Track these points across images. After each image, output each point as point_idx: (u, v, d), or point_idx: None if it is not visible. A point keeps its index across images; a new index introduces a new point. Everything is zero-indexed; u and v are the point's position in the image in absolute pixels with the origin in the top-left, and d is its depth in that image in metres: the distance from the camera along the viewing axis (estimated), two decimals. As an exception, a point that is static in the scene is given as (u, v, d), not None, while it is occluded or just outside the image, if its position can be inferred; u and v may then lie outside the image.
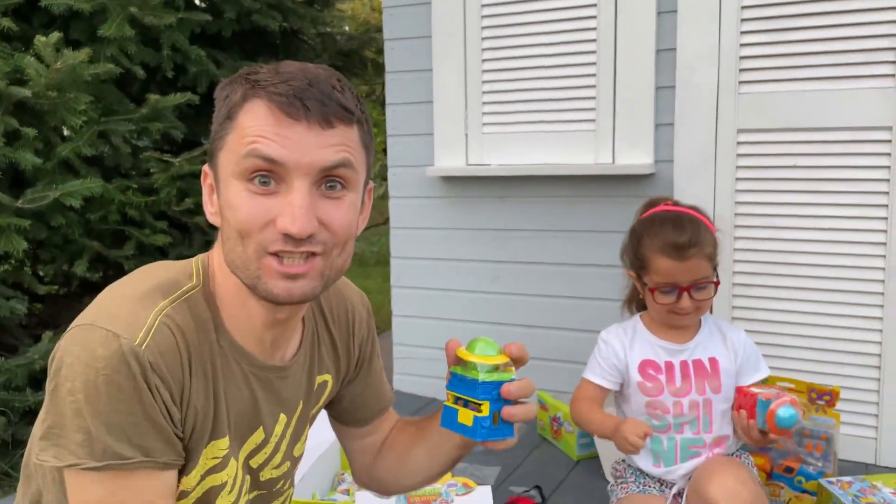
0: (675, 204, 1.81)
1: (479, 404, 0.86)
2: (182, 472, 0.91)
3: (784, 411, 1.55)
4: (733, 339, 1.82)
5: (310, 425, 1.13)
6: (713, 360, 1.79)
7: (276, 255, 0.84)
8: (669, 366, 1.79)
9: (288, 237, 0.83)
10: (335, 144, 0.84)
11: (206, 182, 0.93)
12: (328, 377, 1.11)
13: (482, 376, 0.87)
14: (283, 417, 1.03)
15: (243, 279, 0.87)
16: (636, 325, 1.85)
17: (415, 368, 3.13)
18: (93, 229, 2.97)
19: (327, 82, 0.85)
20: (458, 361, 0.90)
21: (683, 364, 1.79)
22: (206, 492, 0.94)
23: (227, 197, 0.86)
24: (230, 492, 0.97)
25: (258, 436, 0.99)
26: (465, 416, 0.88)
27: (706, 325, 1.84)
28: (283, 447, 1.05)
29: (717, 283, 1.72)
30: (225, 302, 0.93)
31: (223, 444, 0.94)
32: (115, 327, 0.82)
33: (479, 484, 2.12)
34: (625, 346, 1.81)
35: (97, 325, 0.83)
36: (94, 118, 2.81)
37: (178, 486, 0.91)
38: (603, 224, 2.72)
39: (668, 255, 1.67)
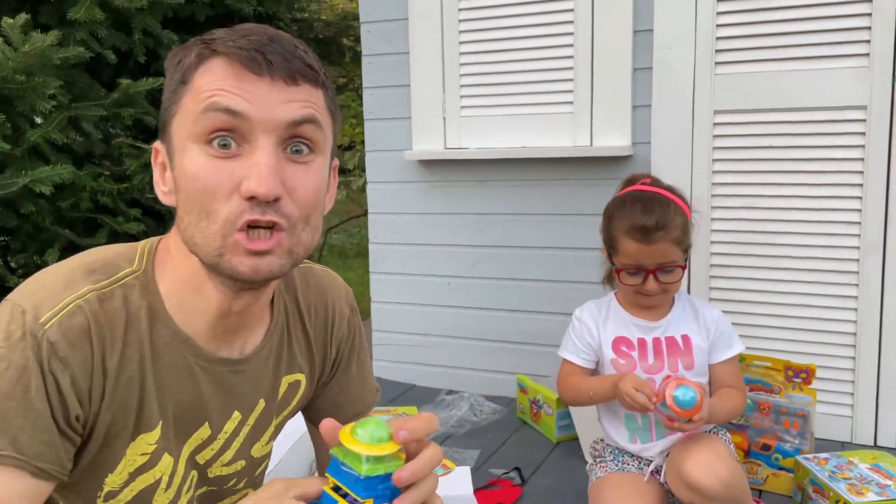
0: (653, 182, 1.80)
1: (362, 502, 0.71)
2: (107, 469, 0.85)
3: (679, 391, 1.58)
4: (706, 317, 1.83)
5: (278, 428, 1.04)
6: (685, 338, 1.80)
7: (243, 231, 0.77)
8: (642, 342, 1.80)
9: (254, 202, 0.76)
10: (301, 101, 0.78)
11: (158, 161, 0.85)
12: (300, 377, 1.02)
13: (365, 469, 0.70)
14: (236, 415, 0.95)
15: (204, 258, 0.80)
16: (610, 303, 1.85)
17: (394, 355, 3.11)
18: (64, 217, 2.92)
19: (290, 41, 0.80)
20: (341, 444, 0.73)
21: (656, 341, 1.80)
22: (140, 493, 0.88)
23: (183, 166, 0.78)
24: (166, 489, 0.90)
25: (204, 431, 0.92)
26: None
27: (679, 303, 1.84)
28: (236, 445, 0.97)
29: (683, 268, 1.72)
30: (174, 288, 0.85)
31: (152, 437, 0.86)
32: (27, 303, 0.77)
33: (459, 465, 2.11)
34: (598, 324, 1.81)
35: (13, 299, 0.79)
36: (65, 103, 2.76)
37: (97, 490, 0.85)
38: (582, 207, 2.71)
39: (633, 237, 1.68)
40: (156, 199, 3.01)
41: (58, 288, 0.79)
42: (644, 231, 1.66)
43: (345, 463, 0.72)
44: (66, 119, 2.75)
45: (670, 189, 1.78)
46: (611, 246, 1.76)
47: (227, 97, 0.76)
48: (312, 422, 1.12)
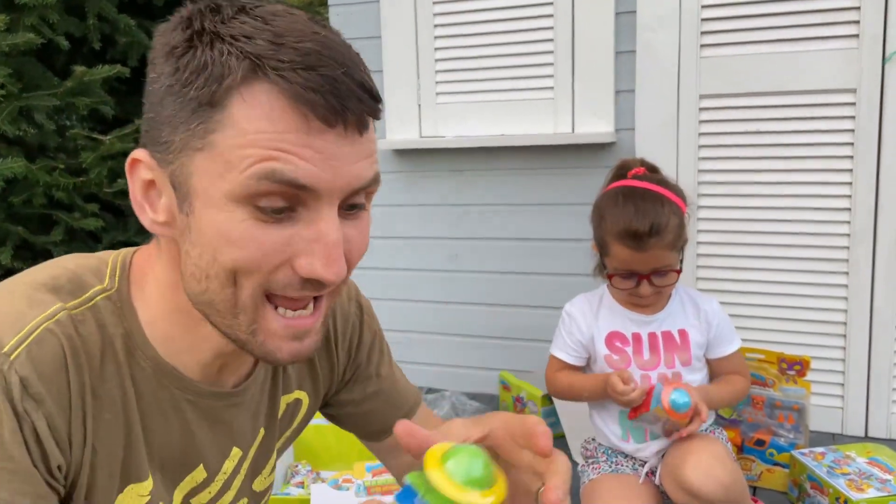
0: (646, 175, 1.70)
1: None
2: None
3: (674, 395, 1.54)
4: (706, 310, 1.75)
5: (279, 453, 0.92)
6: (683, 332, 1.72)
7: (273, 298, 0.64)
8: (637, 337, 1.72)
9: (311, 283, 0.63)
10: (369, 154, 0.64)
11: (139, 174, 0.67)
12: (301, 395, 0.90)
13: None
14: (236, 451, 0.82)
15: (223, 328, 0.66)
16: (602, 295, 1.77)
17: (370, 352, 2.99)
18: (17, 214, 2.75)
19: (357, 63, 0.63)
20: (425, 472, 0.56)
21: (652, 336, 1.72)
22: None
23: (214, 222, 0.62)
24: None
25: (198, 474, 0.79)
26: None
27: (677, 296, 1.76)
28: (237, 483, 0.85)
29: (678, 272, 1.64)
30: (158, 317, 0.71)
31: (144, 488, 0.73)
32: None
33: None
34: (588, 320, 1.73)
35: None
36: (15, 93, 2.59)
37: None
38: (564, 196, 2.62)
39: (625, 243, 1.58)
40: (115, 194, 2.86)
41: (20, 307, 0.65)
42: (636, 237, 1.56)
43: (426, 502, 0.55)
44: (16, 110, 2.59)
45: (664, 182, 1.67)
46: (601, 246, 1.67)
47: (290, 163, 0.59)
48: (357, 435, 1.01)
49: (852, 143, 2.28)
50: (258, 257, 0.61)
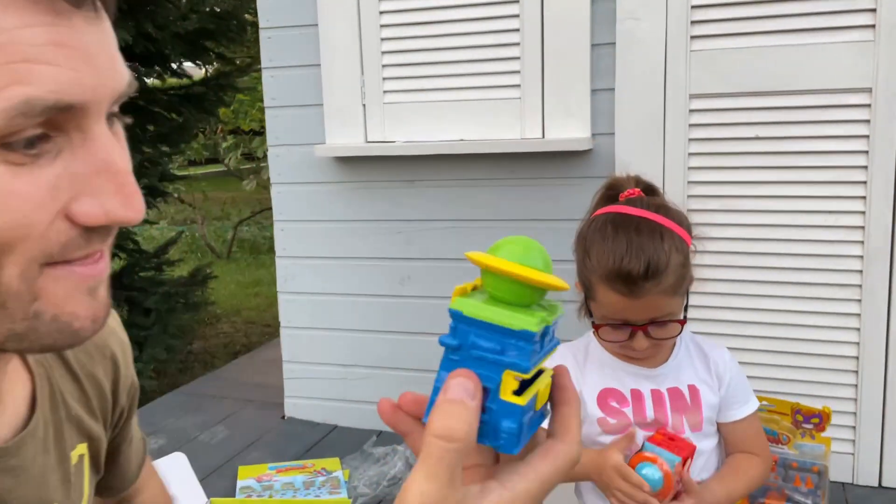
0: (643, 196, 1.34)
1: (531, 378, 0.43)
2: None
3: (645, 471, 1.25)
4: (717, 361, 1.41)
5: None
6: (693, 389, 1.38)
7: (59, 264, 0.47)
8: (637, 395, 1.36)
9: (98, 232, 0.48)
10: (116, 50, 0.49)
11: None
12: (82, 447, 0.70)
13: (543, 319, 0.41)
14: None
15: None
16: (589, 346, 1.41)
17: (310, 391, 2.60)
18: None
19: None
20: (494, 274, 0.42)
21: (656, 393, 1.36)
22: None
23: None
24: None
25: None
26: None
27: (682, 343, 1.41)
28: None
29: (682, 322, 1.29)
30: None
31: None
32: None
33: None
34: (574, 376, 1.35)
35: None
36: None
37: None
38: (533, 211, 2.26)
39: (615, 287, 1.22)
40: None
41: None
42: (629, 280, 1.21)
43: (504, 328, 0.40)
44: None
45: (664, 208, 1.31)
46: (586, 288, 1.32)
47: (47, 79, 0.43)
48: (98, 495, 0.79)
49: (866, 151, 1.99)
50: (19, 219, 0.44)
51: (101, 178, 0.46)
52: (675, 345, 1.40)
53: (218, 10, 4.21)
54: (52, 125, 0.45)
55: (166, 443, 2.54)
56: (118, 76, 0.48)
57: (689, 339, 1.44)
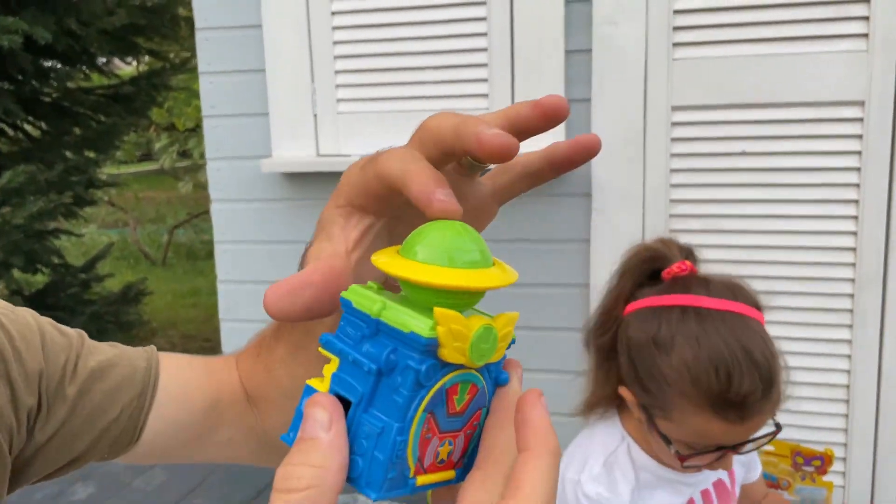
0: (708, 279, 1.02)
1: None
2: None
3: None
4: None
5: None
6: (731, 474, 1.21)
7: None
8: None
9: None
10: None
11: None
12: None
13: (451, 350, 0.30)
14: None
15: None
16: (632, 454, 1.12)
17: (258, 427, 2.37)
18: None
19: None
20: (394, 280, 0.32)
21: (705, 494, 1.16)
22: None
23: None
24: None
25: None
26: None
27: None
28: None
29: (776, 432, 1.03)
30: None
31: None
32: None
33: None
34: (634, 500, 1.10)
35: None
36: None
37: None
38: (503, 231, 2.08)
39: (722, 416, 0.95)
40: None
41: None
42: (742, 407, 0.94)
43: (396, 330, 0.31)
44: None
45: (734, 288, 1.03)
46: (658, 406, 1.02)
47: None
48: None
49: (858, 169, 1.87)
50: None
51: None
52: None
53: (149, 4, 3.91)
54: None
55: (96, 491, 2.28)
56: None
57: None
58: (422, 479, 0.31)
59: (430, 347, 0.29)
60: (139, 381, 0.61)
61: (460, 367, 0.31)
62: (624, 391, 1.04)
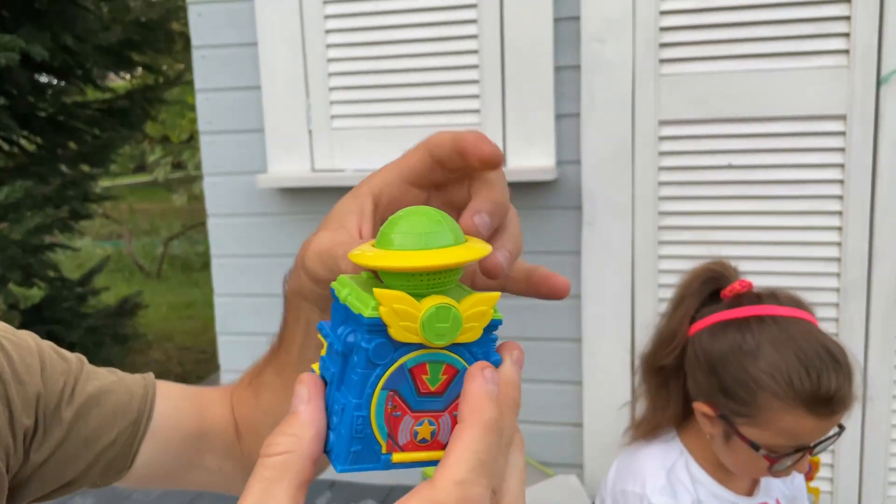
0: (773, 293, 1.12)
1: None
2: None
3: None
4: (796, 474, 1.28)
5: None
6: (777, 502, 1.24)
7: None
8: None
9: None
10: None
11: None
12: None
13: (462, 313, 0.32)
14: None
15: None
16: (690, 470, 1.16)
17: (255, 439, 2.39)
18: None
19: None
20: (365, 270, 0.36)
21: None
22: None
23: None
24: None
25: None
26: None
27: None
28: None
29: (841, 431, 1.09)
30: None
31: None
32: None
33: None
34: None
35: None
36: None
37: None
38: (494, 244, 2.12)
39: (814, 411, 1.01)
40: None
41: None
42: (832, 402, 1.02)
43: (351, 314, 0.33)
44: None
45: (797, 301, 1.12)
46: (744, 413, 1.07)
47: None
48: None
49: (842, 181, 1.91)
50: None
51: None
52: None
53: (143, 19, 3.94)
54: None
55: (94, 502, 2.30)
56: None
57: None
58: (398, 457, 0.32)
59: (374, 327, 0.31)
60: (135, 408, 0.62)
61: (421, 346, 0.31)
62: (700, 406, 1.08)
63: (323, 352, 0.35)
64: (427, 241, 0.32)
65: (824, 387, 1.00)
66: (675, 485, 1.12)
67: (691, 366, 1.11)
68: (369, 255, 0.33)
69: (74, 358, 0.63)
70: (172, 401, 0.65)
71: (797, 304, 1.09)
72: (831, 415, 1.02)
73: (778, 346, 1.03)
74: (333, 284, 0.35)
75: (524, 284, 0.44)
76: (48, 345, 0.62)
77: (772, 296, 1.09)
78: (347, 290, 0.33)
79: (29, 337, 0.60)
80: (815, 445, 1.04)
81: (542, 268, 0.43)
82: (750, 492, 1.18)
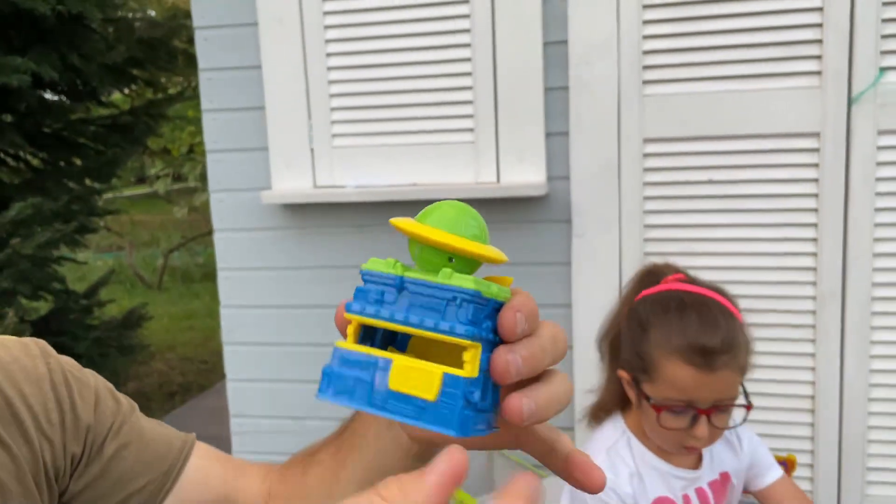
0: (689, 280, 1.30)
1: (465, 347, 0.36)
2: None
3: None
4: (744, 443, 1.39)
5: None
6: (725, 476, 1.35)
7: None
8: (687, 500, 1.31)
9: None
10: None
11: None
12: None
13: (472, 283, 0.36)
14: None
15: None
16: (631, 446, 1.30)
17: (259, 445, 2.49)
18: None
19: None
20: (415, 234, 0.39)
21: (700, 493, 1.32)
22: None
23: None
24: None
25: None
26: (418, 379, 0.36)
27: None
28: None
29: (748, 408, 1.24)
30: None
31: None
32: None
33: None
34: (635, 487, 1.26)
35: None
36: None
37: None
38: (488, 256, 2.21)
39: (691, 361, 1.16)
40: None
41: None
42: (706, 353, 1.16)
43: (422, 281, 0.36)
44: None
45: (720, 290, 1.28)
46: (642, 369, 1.24)
47: None
48: None
49: (816, 195, 2.01)
50: None
51: None
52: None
53: (147, 38, 4.05)
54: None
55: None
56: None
57: None
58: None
59: (388, 282, 0.39)
60: (169, 461, 0.64)
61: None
62: (622, 373, 1.24)
63: (352, 327, 0.38)
64: (456, 227, 0.38)
65: (701, 339, 1.15)
66: (615, 460, 1.26)
67: (622, 342, 1.27)
68: (409, 223, 0.38)
69: (126, 402, 0.66)
70: (206, 461, 0.67)
71: (718, 291, 1.24)
72: (708, 369, 1.15)
73: (671, 309, 1.19)
74: (379, 264, 0.39)
75: (561, 464, 0.43)
76: (106, 385, 0.66)
77: (692, 281, 1.26)
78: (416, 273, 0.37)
79: (91, 375, 0.65)
80: (710, 409, 1.16)
81: (584, 455, 0.43)
82: (694, 466, 1.31)
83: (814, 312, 2.05)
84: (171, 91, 5.44)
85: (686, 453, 1.27)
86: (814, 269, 2.04)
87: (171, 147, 9.00)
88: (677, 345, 1.16)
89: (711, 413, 1.18)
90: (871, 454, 2.08)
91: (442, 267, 0.36)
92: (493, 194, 2.16)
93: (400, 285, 0.36)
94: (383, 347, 0.41)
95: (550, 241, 2.19)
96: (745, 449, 1.38)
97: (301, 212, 2.33)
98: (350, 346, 0.37)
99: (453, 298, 0.35)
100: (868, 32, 1.91)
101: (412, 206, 2.24)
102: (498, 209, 2.19)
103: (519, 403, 0.37)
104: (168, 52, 4.27)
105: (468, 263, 0.38)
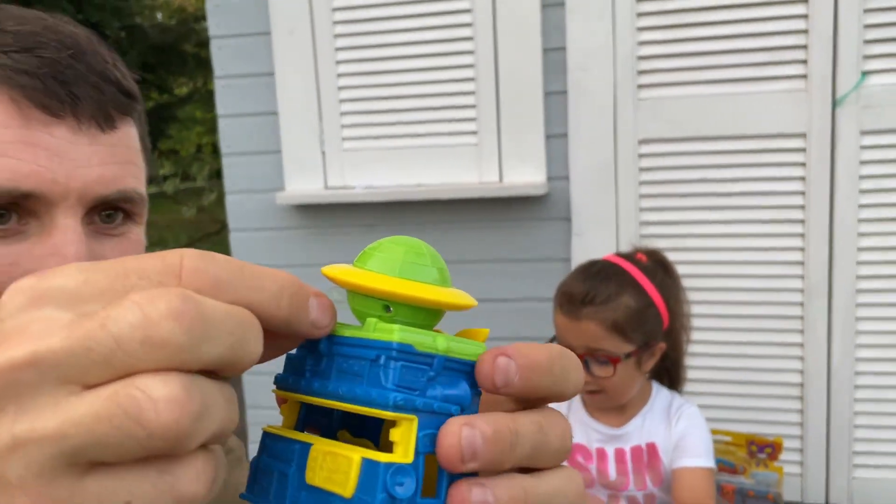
0: (635, 256, 1.47)
1: (394, 419, 0.26)
2: None
3: None
4: (677, 410, 1.49)
5: None
6: (652, 447, 1.46)
7: None
8: (601, 454, 1.45)
9: None
10: (123, 161, 0.53)
11: None
12: None
13: (396, 334, 0.27)
14: None
15: None
16: (572, 404, 1.49)
17: (275, 434, 2.60)
18: None
19: (96, 51, 0.52)
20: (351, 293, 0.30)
21: (619, 452, 1.45)
22: None
23: None
24: None
25: None
26: (335, 469, 0.26)
27: (655, 402, 1.48)
28: None
29: (615, 361, 1.34)
30: None
31: None
32: None
33: None
34: None
35: None
36: None
37: None
38: (491, 252, 2.33)
39: (559, 306, 1.40)
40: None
41: None
42: (568, 300, 1.37)
43: (352, 338, 0.28)
44: None
45: (649, 270, 1.42)
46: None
47: (4, 167, 0.48)
48: None
49: (803, 192, 2.11)
50: None
51: (50, 261, 0.48)
52: (644, 403, 1.48)
53: (158, 43, 4.17)
54: (24, 210, 0.49)
55: None
56: (98, 182, 0.51)
57: (666, 398, 1.50)
58: None
59: (315, 350, 0.29)
60: None
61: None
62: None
63: (287, 408, 0.30)
64: (405, 270, 0.29)
65: (570, 287, 1.36)
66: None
67: None
68: (341, 271, 0.29)
69: (235, 440, 0.69)
70: None
71: (639, 267, 1.40)
72: (572, 315, 1.34)
73: (574, 270, 1.45)
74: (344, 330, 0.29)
75: None
76: None
77: (624, 255, 1.46)
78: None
79: None
80: (582, 355, 1.31)
81: None
82: (616, 425, 1.46)
83: (802, 304, 2.16)
84: (178, 93, 5.55)
85: (590, 399, 1.44)
86: (801, 263, 2.14)
87: (179, 147, 9.12)
88: (555, 294, 1.40)
89: (585, 357, 1.33)
90: (857, 438, 2.18)
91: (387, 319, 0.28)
92: (495, 194, 2.27)
93: (326, 347, 0.28)
94: (350, 426, 0.32)
95: (550, 239, 2.29)
96: (677, 427, 1.45)
97: (313, 212, 2.44)
98: (275, 429, 0.29)
99: (376, 357, 0.27)
100: (851, 38, 2.01)
101: (418, 206, 2.36)
102: (500, 208, 2.30)
103: (465, 496, 0.25)
104: (178, 55, 4.38)
105: (416, 313, 0.28)
